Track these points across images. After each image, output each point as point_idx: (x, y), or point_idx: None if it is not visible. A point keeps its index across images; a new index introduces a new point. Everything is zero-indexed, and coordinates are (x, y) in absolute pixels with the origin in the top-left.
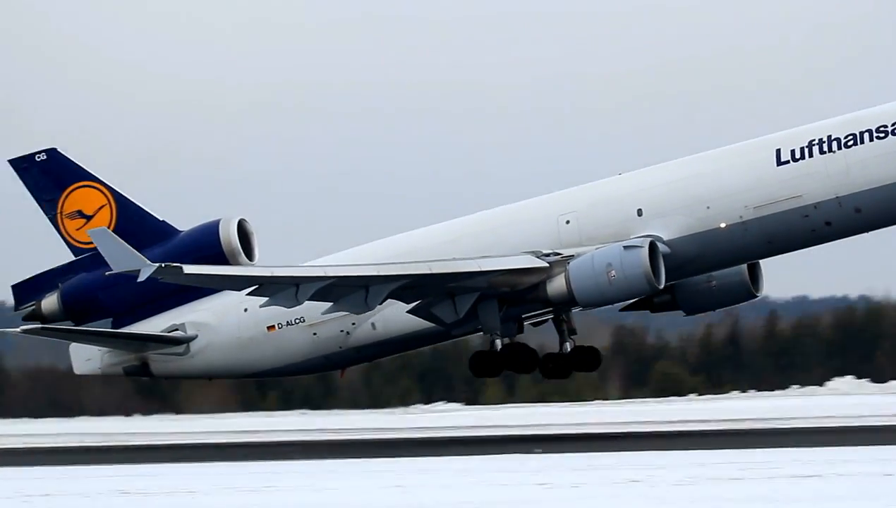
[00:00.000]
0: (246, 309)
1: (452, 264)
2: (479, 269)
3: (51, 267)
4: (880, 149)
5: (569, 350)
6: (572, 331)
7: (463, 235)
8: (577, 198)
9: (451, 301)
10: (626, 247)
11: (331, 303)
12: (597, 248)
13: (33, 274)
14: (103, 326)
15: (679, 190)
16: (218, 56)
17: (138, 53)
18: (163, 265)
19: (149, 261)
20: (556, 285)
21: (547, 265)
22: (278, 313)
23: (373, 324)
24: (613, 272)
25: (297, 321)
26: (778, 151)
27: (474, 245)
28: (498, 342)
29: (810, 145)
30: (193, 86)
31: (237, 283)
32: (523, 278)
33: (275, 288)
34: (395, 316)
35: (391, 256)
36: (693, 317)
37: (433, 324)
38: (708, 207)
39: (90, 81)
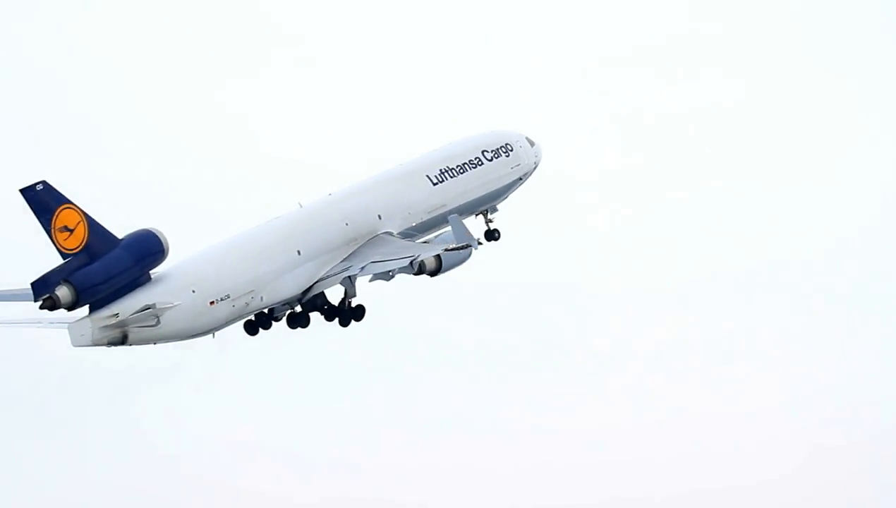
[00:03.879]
0: (194, 291)
1: None
2: None
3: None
4: None
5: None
6: None
7: None
8: None
9: None
10: None
11: None
12: None
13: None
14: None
15: None
16: None
17: None
18: (480, 241)
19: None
20: None
21: None
22: (212, 292)
23: (261, 297)
24: None
25: (224, 298)
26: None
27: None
28: None
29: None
30: None
31: None
32: None
33: None
34: (281, 285)
35: None
36: None
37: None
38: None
39: None
